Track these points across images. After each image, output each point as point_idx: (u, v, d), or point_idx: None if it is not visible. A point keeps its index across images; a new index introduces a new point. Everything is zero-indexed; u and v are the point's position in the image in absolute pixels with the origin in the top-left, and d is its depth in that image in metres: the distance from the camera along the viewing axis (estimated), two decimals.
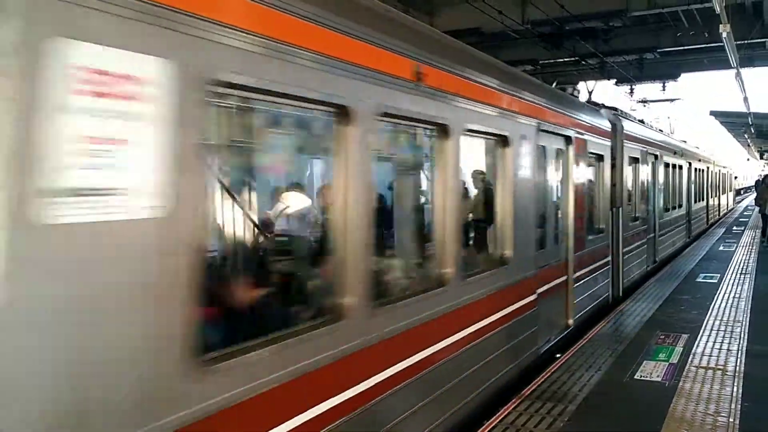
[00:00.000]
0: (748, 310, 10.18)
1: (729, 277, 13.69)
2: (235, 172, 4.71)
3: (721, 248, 19.21)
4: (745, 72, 19.26)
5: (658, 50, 20.49)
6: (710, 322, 9.46)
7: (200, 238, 3.02)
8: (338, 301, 4.05)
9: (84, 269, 2.44)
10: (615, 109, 13.66)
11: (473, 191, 7.50)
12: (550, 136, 8.16)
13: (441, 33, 6.15)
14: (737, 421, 5.72)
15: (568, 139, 8.94)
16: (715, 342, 8.35)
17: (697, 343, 8.31)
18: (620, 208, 11.83)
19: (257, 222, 4.90)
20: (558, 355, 8.08)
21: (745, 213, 37.14)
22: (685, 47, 20.07)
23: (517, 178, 6.88)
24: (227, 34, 3.08)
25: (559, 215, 8.91)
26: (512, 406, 6.16)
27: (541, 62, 21.35)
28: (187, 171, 2.86)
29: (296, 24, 3.58)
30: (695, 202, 23.78)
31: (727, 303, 10.82)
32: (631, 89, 25.10)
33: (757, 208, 25.08)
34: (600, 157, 10.73)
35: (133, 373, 2.63)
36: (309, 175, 6.22)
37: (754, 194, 48.89)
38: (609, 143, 11.26)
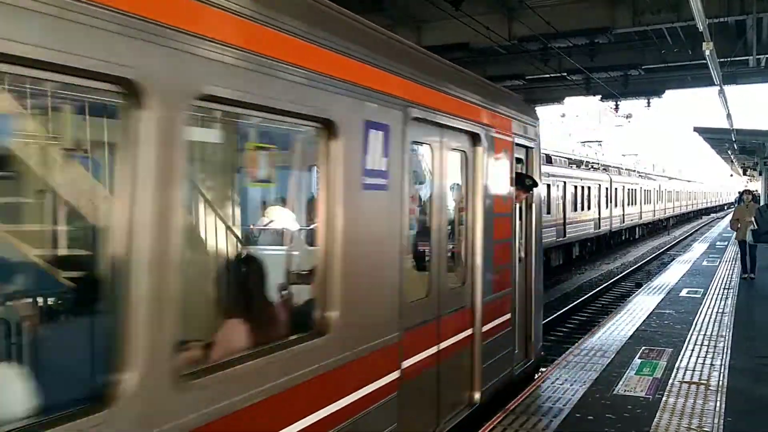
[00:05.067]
0: (731, 325, 10.26)
1: (712, 291, 13.79)
2: None
3: (704, 263, 19.37)
4: (728, 89, 19.54)
5: (643, 67, 20.78)
6: (694, 336, 9.53)
7: None
8: None
9: None
10: None
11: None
12: (433, 126, 5.41)
13: None
14: None
15: (474, 137, 6.12)
16: (698, 357, 8.40)
17: (680, 357, 8.36)
18: None
19: None
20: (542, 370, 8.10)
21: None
22: (670, 64, 20.39)
23: (353, 190, 4.13)
24: None
25: (462, 244, 6.18)
26: (497, 421, 6.16)
27: (528, 77, 21.64)
28: None
29: None
30: None
31: (710, 318, 10.90)
32: (616, 105, 25.42)
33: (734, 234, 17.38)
34: None
35: None
36: None
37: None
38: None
